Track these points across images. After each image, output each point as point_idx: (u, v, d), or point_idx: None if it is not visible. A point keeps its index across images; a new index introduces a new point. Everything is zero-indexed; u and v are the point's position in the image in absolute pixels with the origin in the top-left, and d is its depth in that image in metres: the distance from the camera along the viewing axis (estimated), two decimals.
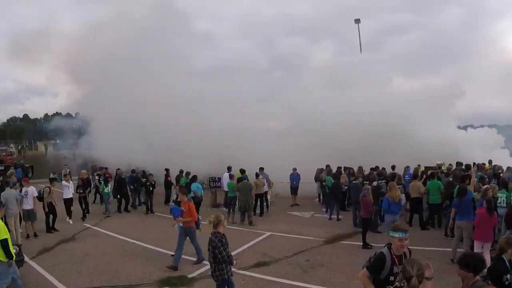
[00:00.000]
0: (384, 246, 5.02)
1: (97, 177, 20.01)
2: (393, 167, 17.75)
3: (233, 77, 26.68)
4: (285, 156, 20.89)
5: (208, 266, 9.54)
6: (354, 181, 15.16)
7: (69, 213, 15.31)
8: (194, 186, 16.19)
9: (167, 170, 19.63)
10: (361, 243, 11.28)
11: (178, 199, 10.32)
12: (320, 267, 9.55)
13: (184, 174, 18.04)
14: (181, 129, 24.21)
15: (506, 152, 24.76)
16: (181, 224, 9.90)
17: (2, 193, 12.30)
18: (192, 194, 16.03)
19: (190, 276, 9.05)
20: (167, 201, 19.27)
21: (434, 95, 23.84)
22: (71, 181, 15.77)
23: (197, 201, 16.14)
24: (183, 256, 10.08)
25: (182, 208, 9.86)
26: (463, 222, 9.93)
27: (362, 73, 25.04)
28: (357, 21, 34.65)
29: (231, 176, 16.38)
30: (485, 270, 4.66)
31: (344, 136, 21.21)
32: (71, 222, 15.10)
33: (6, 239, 7.17)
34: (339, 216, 15.20)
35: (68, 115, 51.24)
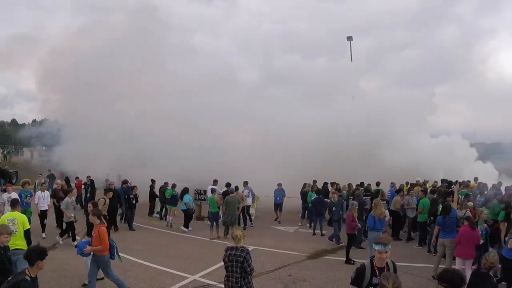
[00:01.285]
0: (368, 259, 5.24)
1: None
2: (377, 184, 17.84)
3: (221, 91, 26.73)
4: (269, 170, 20.96)
5: (186, 281, 9.54)
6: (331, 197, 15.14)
7: (43, 226, 14.20)
8: (186, 197, 16.14)
9: (152, 181, 19.44)
10: (344, 259, 11.30)
11: (91, 220, 8.43)
12: (303, 282, 9.52)
13: (170, 186, 17.71)
14: (164, 140, 24.37)
15: (489, 166, 25.72)
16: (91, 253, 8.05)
17: None
18: (184, 206, 15.97)
19: None
20: (151, 212, 19.18)
21: (411, 108, 24.76)
22: (47, 191, 14.89)
23: (191, 213, 16.11)
24: (163, 268, 10.21)
25: (89, 239, 8.43)
26: (447, 239, 10.06)
27: (341, 88, 25.47)
28: (350, 38, 35.01)
29: (212, 190, 16.18)
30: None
31: (325, 151, 21.80)
32: (44, 236, 13.90)
33: (29, 229, 8.39)
34: (323, 231, 15.15)
35: (55, 121, 50.69)
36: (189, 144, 23.91)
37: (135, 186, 17.44)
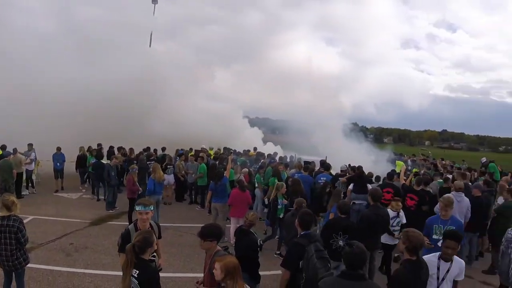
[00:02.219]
0: (131, 223, 5.56)
1: None
2: (163, 149, 18.64)
3: None
4: (44, 131, 19.42)
5: None
6: (107, 162, 15.17)
7: None
8: None
9: None
10: (128, 223, 11.61)
11: None
12: (85, 250, 9.61)
13: None
14: None
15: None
16: None
17: None
18: None
19: None
20: None
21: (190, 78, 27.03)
22: None
23: None
24: None
25: None
26: (218, 204, 11.23)
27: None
28: (154, 1, 34.02)
29: None
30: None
31: (103, 114, 21.75)
32: None
33: None
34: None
35: None
36: None
37: None
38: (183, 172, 15.98)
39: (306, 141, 29.72)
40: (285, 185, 10.68)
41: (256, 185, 14.04)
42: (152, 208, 5.43)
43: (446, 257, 4.90)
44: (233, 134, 26.43)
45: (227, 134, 25.57)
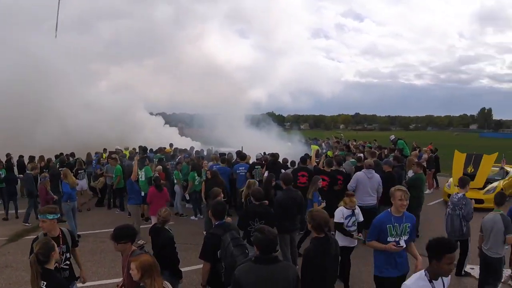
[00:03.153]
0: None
1: None
2: (72, 154, 18.14)
3: None
4: None
5: None
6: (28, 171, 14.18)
7: None
8: None
9: None
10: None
11: None
12: (5, 269, 9.21)
13: None
14: None
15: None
16: None
17: None
18: None
19: None
20: None
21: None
22: None
23: None
24: None
25: None
26: (129, 205, 11.29)
27: None
28: None
29: None
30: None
31: None
32: None
33: None
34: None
35: None
36: None
37: None
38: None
39: (221, 133, 29.92)
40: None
41: (175, 181, 14.15)
42: (51, 217, 5.25)
43: (444, 274, 3.94)
44: (136, 129, 26.04)
45: (128, 129, 25.04)
